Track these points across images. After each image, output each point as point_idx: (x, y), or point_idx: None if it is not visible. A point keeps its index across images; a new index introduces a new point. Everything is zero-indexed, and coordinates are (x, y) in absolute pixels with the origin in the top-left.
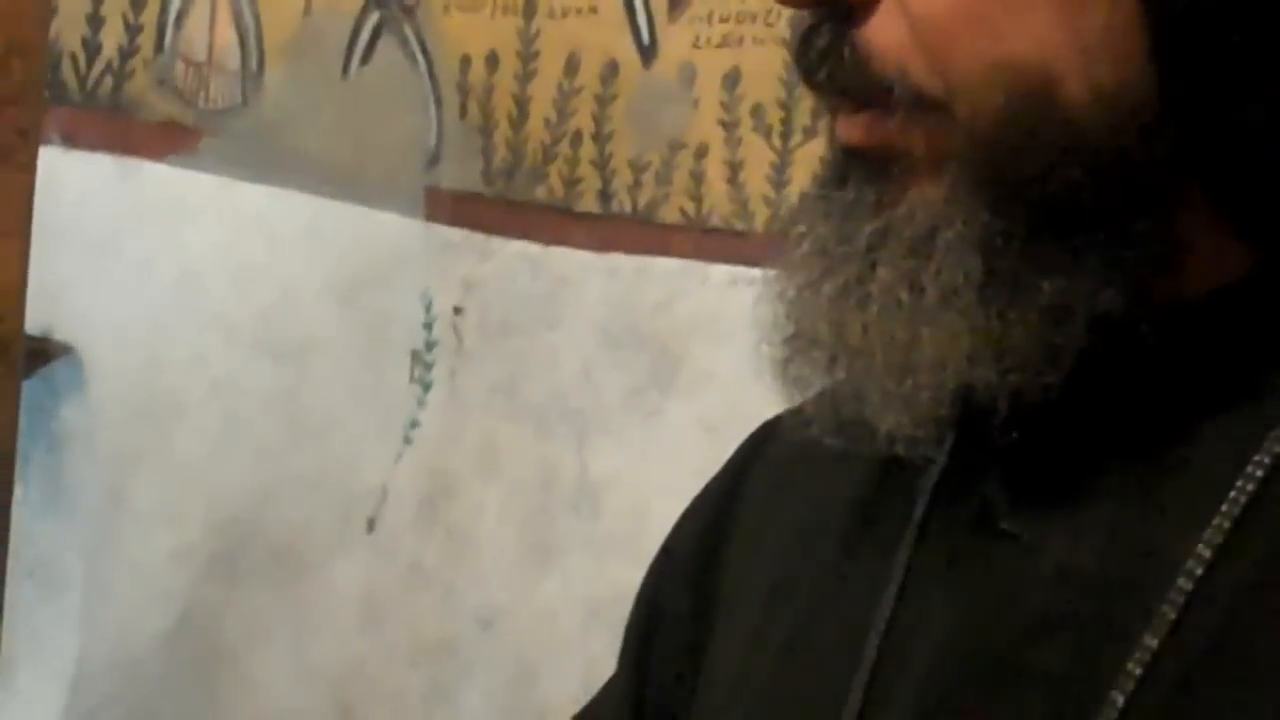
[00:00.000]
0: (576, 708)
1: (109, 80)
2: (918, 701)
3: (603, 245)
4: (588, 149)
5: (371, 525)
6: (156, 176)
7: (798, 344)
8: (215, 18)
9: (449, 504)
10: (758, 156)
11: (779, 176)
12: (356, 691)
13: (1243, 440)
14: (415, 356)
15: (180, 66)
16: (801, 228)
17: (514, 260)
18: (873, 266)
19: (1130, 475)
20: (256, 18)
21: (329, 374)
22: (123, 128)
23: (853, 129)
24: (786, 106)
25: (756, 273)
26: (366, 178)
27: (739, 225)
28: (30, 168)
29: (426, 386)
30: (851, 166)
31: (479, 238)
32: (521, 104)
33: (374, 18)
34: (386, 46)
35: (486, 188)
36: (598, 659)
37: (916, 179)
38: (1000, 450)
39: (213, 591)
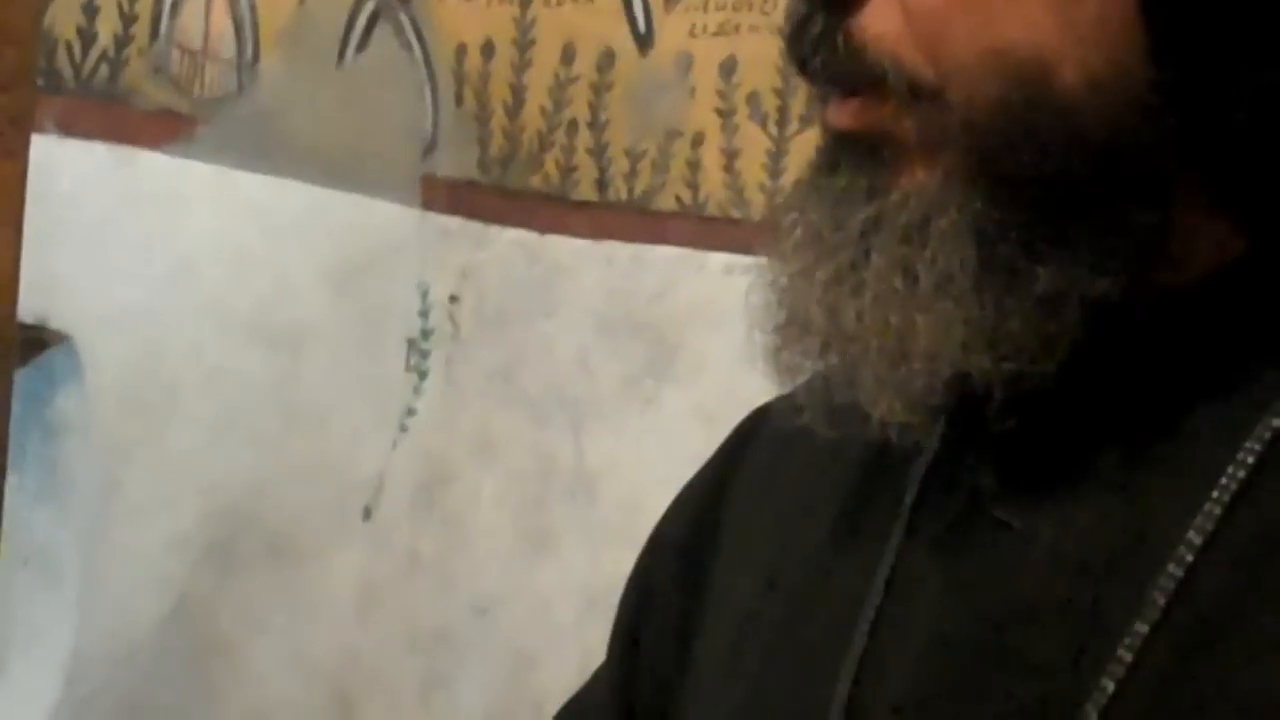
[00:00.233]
0: None
1: (104, 68)
2: (908, 688)
3: (599, 233)
4: (584, 137)
5: (368, 514)
6: (152, 165)
7: (790, 331)
8: (210, 6)
9: (445, 492)
10: (754, 144)
11: (775, 164)
12: (353, 680)
13: (1234, 427)
14: (411, 345)
15: (176, 55)
16: (794, 215)
17: (510, 248)
18: (867, 253)
19: (1121, 462)
20: (252, 6)
21: (325, 362)
22: (118, 116)
23: (844, 114)
24: (783, 94)
25: (753, 261)
26: (362, 166)
27: (735, 213)
28: (21, 155)
29: (422, 375)
30: (843, 152)
31: (475, 226)
32: (518, 92)
33: (369, 5)
34: (382, 34)
35: (482, 176)
36: (594, 647)
37: (909, 166)
38: (991, 437)
39: (208, 580)
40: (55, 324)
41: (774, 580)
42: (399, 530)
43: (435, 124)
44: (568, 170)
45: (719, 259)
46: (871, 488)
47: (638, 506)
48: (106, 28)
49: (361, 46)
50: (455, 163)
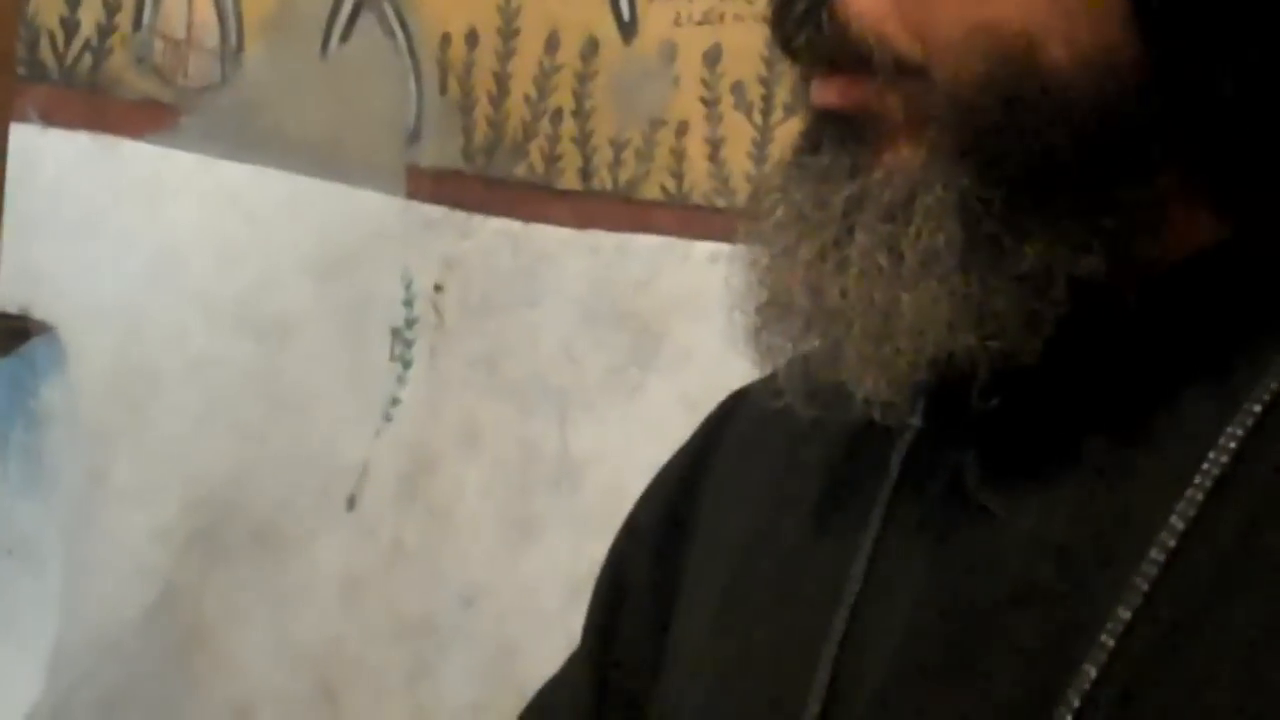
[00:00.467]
0: None
1: (87, 58)
2: (888, 672)
3: (583, 222)
4: (568, 126)
5: (352, 503)
6: (135, 154)
7: (772, 311)
8: None
9: (430, 481)
10: (739, 133)
11: (760, 153)
12: (337, 669)
13: (1217, 411)
14: (395, 334)
15: (159, 44)
16: (776, 195)
17: (494, 237)
18: (850, 231)
19: (1103, 446)
20: None
21: (309, 352)
22: (101, 106)
23: (828, 91)
24: (767, 83)
25: (738, 249)
26: (346, 155)
27: (720, 202)
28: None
29: (407, 364)
30: (826, 130)
31: (459, 215)
32: (502, 81)
33: None
34: (366, 24)
35: (467, 165)
36: (579, 636)
37: (893, 143)
38: (974, 421)
39: (192, 569)
40: (38, 314)
41: (752, 564)
42: (383, 519)
43: (419, 113)
44: (552, 159)
45: (704, 248)
46: (851, 471)
47: (623, 496)
48: (89, 17)
49: (345, 36)
50: (439, 152)
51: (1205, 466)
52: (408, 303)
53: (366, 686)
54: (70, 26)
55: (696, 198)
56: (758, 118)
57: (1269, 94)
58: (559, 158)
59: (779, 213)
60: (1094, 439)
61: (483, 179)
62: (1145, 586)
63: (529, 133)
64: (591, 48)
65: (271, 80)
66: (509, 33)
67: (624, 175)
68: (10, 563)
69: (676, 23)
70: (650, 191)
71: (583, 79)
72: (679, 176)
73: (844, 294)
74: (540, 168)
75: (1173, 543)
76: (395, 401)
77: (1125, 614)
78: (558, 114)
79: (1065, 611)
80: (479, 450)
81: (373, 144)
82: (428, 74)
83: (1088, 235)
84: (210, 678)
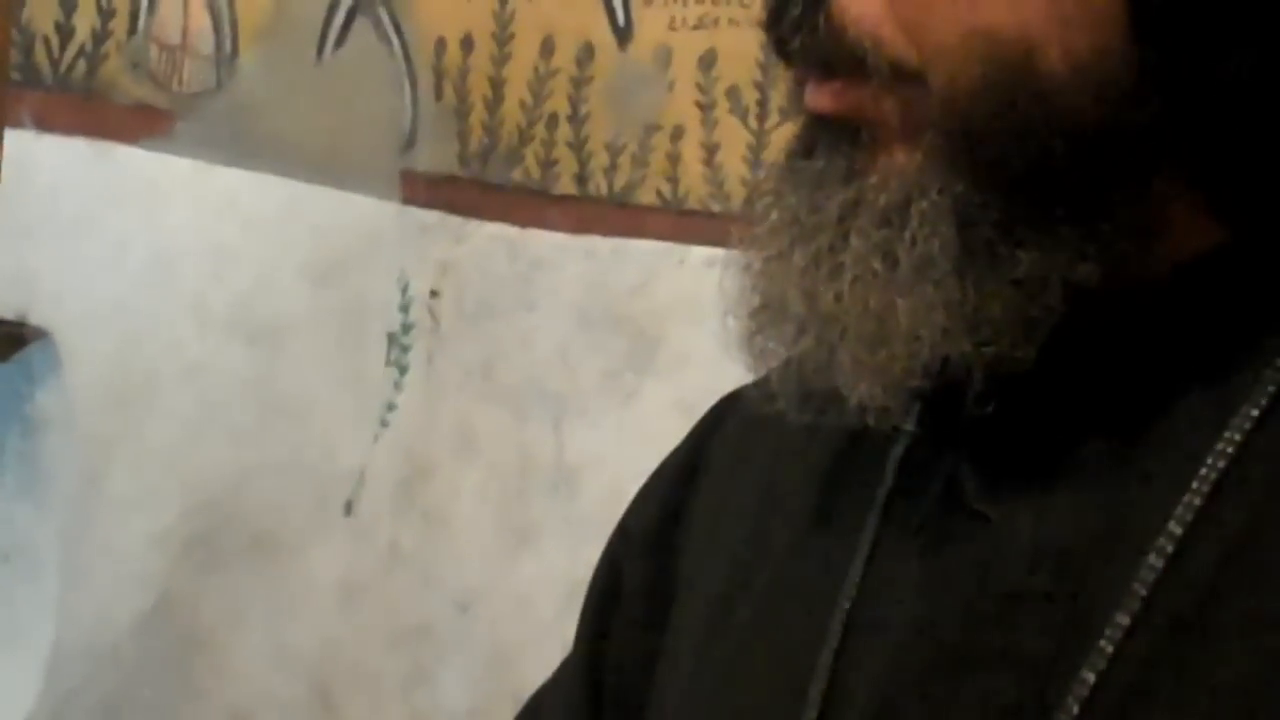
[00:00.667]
0: None
1: (82, 64)
2: (885, 680)
3: (579, 227)
4: (564, 131)
5: (349, 508)
6: (131, 160)
7: (765, 315)
8: (189, 1)
9: (426, 487)
10: (734, 138)
11: (755, 158)
12: (334, 675)
13: (1214, 416)
14: (391, 339)
15: (154, 50)
16: (769, 199)
17: (490, 243)
18: (845, 236)
19: (1101, 451)
20: (230, 1)
21: (305, 357)
22: (96, 111)
23: (822, 96)
24: (763, 88)
25: (733, 254)
26: (341, 161)
27: (716, 207)
28: None
29: (403, 369)
30: (820, 134)
31: (455, 220)
32: (497, 86)
33: (348, 0)
34: (361, 29)
35: (462, 170)
36: None
37: (889, 147)
38: (968, 424)
39: (189, 575)
40: (34, 320)
41: (745, 571)
42: (380, 525)
43: (414, 118)
44: (547, 164)
45: (699, 253)
46: (845, 476)
47: (619, 501)
48: (84, 22)
49: (340, 41)
50: (435, 157)
51: (1203, 471)
52: (403, 308)
53: (363, 692)
54: (65, 32)
55: (692, 203)
56: (753, 122)
57: (1266, 99)
58: (554, 163)
59: (773, 217)
60: (1091, 444)
61: (478, 184)
62: (1144, 592)
63: (524, 138)
64: (586, 53)
65: (266, 86)
66: (504, 38)
67: (619, 180)
68: (7, 569)
69: (671, 27)
70: (646, 196)
71: (578, 84)
72: (674, 181)
73: (838, 299)
74: (536, 173)
75: (1171, 548)
76: (391, 407)
77: (1124, 619)
78: (553, 119)
79: (1063, 617)
80: (475, 456)
81: (368, 149)
82: (423, 79)
83: (1084, 241)
84: (207, 683)
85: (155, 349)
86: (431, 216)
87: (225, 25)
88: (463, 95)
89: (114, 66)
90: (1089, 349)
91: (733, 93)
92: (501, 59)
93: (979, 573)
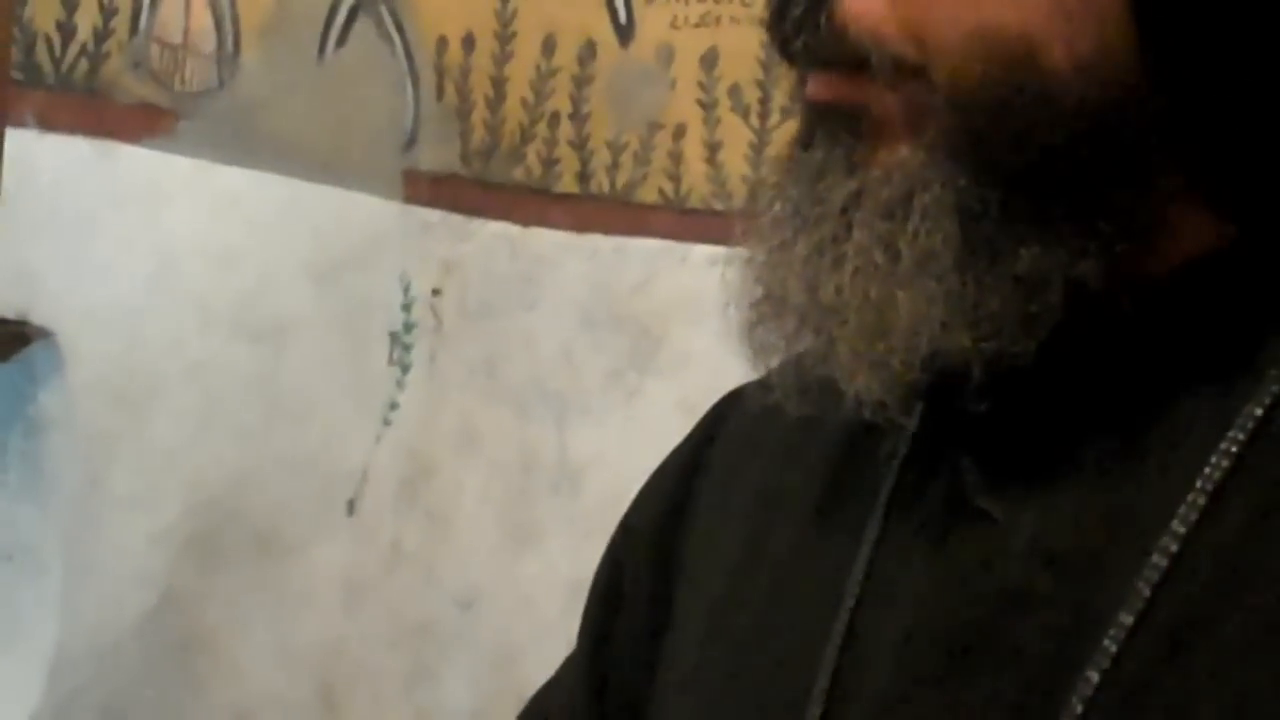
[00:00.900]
0: None
1: (84, 63)
2: (890, 677)
3: (581, 226)
4: (565, 129)
5: (351, 507)
6: (133, 159)
7: (767, 306)
8: (190, 0)
9: (429, 486)
10: (736, 136)
11: (757, 156)
12: (337, 673)
13: (1217, 415)
14: (394, 338)
15: (156, 49)
16: (772, 190)
17: (492, 241)
18: (848, 228)
19: (1104, 450)
20: (232, 0)
21: (308, 356)
22: (98, 110)
23: (823, 86)
24: (764, 86)
25: (736, 252)
26: (344, 160)
27: (718, 205)
28: None
29: (405, 368)
30: (819, 124)
31: (457, 219)
32: (499, 85)
33: None
34: (362, 28)
35: (464, 169)
36: None
37: (892, 142)
38: (972, 422)
39: (192, 574)
40: (37, 319)
41: (750, 567)
42: (382, 524)
43: (416, 117)
44: (549, 163)
45: (702, 251)
46: (848, 475)
47: (621, 500)
48: (86, 22)
49: (342, 40)
50: (437, 156)
51: (1206, 470)
52: (406, 307)
53: (366, 690)
54: (67, 31)
55: (694, 201)
56: (755, 121)
57: (1269, 98)
58: (556, 161)
59: (776, 208)
60: (1095, 443)
61: (480, 183)
62: (1147, 591)
63: (526, 136)
64: (588, 51)
65: (268, 85)
66: (505, 36)
67: (621, 178)
68: (10, 568)
69: (673, 26)
70: (648, 195)
71: (580, 82)
72: (676, 179)
73: (839, 290)
74: (538, 171)
75: (1174, 547)
76: (394, 406)
77: (1127, 619)
78: (555, 117)
79: (1067, 616)
80: (478, 454)
81: (370, 148)
82: (424, 78)
83: (1085, 238)
84: (211, 682)
85: (158, 348)
86: (434, 215)
87: (227, 24)
88: (464, 94)
89: (116, 66)
90: (1092, 347)
91: (735, 91)
92: (503, 58)
93: (982, 570)
